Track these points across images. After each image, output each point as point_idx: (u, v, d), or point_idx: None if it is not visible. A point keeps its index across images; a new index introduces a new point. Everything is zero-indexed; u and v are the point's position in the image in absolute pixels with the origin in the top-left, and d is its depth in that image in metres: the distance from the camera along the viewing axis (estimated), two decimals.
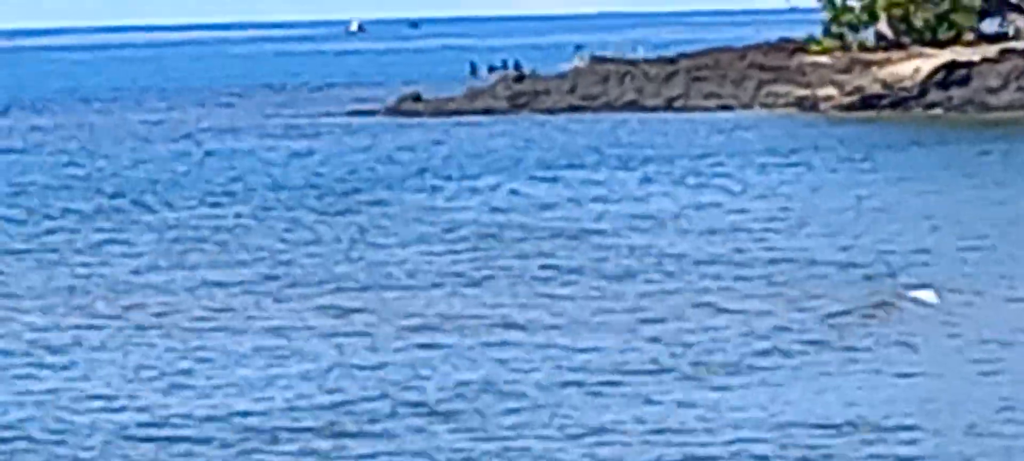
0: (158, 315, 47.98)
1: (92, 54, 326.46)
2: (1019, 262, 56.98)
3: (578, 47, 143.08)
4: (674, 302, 49.50)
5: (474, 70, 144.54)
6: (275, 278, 54.46)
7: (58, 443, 36.11)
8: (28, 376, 41.51)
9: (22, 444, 36.50)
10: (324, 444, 35.31)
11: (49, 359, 43.25)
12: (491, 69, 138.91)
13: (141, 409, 38.14)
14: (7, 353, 43.49)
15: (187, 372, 41.37)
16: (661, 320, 47.07)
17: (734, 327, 44.90)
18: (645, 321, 46.50)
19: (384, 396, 38.33)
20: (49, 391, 40.46)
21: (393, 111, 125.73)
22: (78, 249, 62.59)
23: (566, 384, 38.73)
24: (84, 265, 58.70)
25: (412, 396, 37.87)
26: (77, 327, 46.54)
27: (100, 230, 65.59)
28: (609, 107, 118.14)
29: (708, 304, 49.05)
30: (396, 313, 48.87)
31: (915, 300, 50.10)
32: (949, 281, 52.14)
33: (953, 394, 40.14)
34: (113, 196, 76.99)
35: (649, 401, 37.28)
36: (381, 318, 48.35)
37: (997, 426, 36.55)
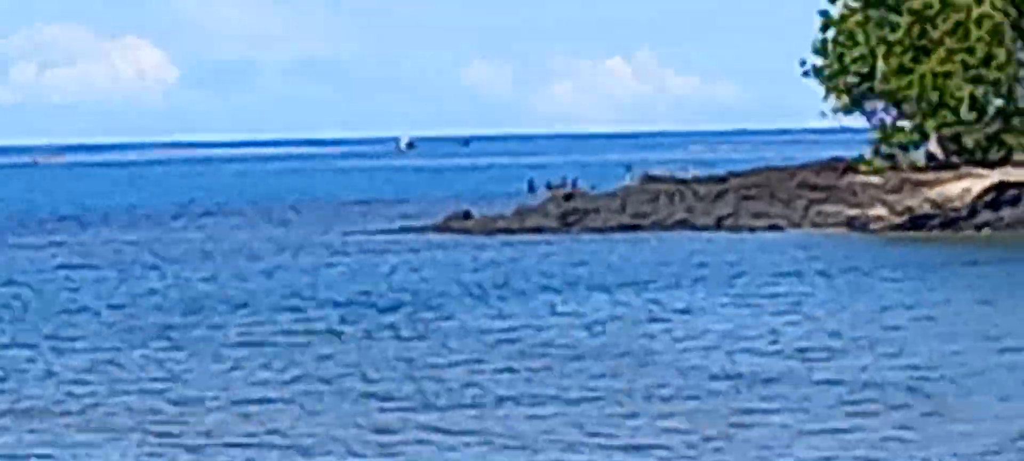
0: (204, 433, 47.68)
1: (148, 169, 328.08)
2: None
3: (628, 167, 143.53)
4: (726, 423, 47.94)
5: (532, 187, 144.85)
6: (319, 394, 53.92)
7: None
8: None
9: None
10: None
11: None
12: (549, 186, 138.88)
13: None
14: None
15: None
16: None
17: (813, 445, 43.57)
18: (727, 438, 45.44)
19: None
20: None
21: (442, 228, 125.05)
22: (140, 365, 61.91)
23: None
24: (147, 380, 57.91)
25: None
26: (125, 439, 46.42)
27: (162, 345, 65.25)
28: (659, 226, 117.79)
29: (773, 423, 47.75)
30: (442, 430, 48.01)
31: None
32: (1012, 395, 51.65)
33: None
34: (174, 312, 76.55)
35: None
36: (426, 435, 47.44)
37: None
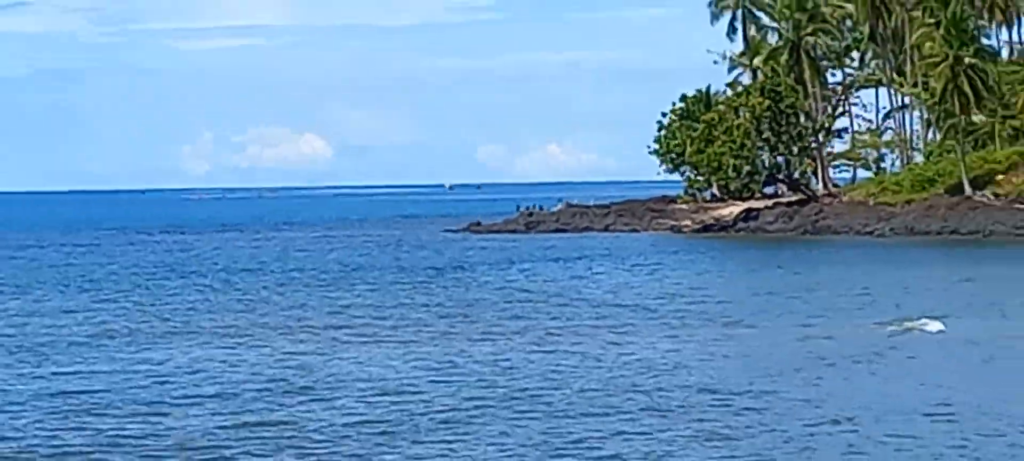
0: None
1: (317, 201, 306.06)
2: (808, 302, 58.84)
3: (560, 199, 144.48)
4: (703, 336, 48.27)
5: (518, 208, 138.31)
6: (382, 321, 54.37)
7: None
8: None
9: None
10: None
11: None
12: (528, 209, 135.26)
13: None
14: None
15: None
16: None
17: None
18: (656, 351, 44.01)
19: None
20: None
21: (468, 231, 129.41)
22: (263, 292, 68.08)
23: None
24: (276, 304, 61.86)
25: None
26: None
27: (280, 292, 67.68)
28: (576, 230, 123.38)
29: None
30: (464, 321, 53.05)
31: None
32: (764, 319, 53.10)
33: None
34: (285, 276, 78.48)
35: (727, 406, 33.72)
36: (454, 328, 51.47)
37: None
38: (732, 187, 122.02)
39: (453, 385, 37.97)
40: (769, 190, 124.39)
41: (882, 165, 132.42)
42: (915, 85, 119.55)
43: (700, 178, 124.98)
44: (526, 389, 37.33)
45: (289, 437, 30.84)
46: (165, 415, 33.18)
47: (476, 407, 34.29)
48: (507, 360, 42.86)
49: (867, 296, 61.43)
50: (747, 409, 33.66)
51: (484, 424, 32.29)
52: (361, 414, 34.00)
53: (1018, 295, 59.97)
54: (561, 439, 30.70)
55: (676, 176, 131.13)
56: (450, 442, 30.40)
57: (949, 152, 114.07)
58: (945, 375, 39.12)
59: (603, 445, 30.21)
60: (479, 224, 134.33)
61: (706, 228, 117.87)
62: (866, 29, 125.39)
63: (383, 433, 31.51)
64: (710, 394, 35.99)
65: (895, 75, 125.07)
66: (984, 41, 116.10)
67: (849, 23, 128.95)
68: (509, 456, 29.32)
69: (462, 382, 38.48)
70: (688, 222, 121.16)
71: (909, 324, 49.37)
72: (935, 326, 48.59)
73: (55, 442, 30.32)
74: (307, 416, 33.43)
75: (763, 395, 35.40)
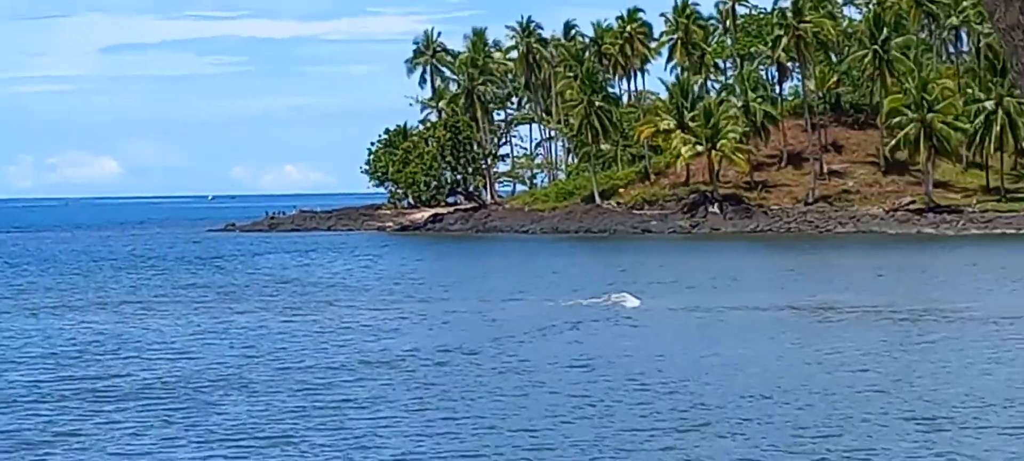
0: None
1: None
2: (498, 282, 55.91)
3: (295, 206, 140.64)
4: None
5: (265, 213, 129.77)
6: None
7: None
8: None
9: None
10: None
11: None
12: (272, 214, 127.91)
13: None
14: None
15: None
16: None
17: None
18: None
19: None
20: None
21: (224, 230, 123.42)
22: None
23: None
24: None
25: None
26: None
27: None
28: (308, 230, 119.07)
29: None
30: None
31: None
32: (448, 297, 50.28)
33: None
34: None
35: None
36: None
37: None
38: (423, 198, 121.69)
39: (223, 346, 37.53)
40: (451, 200, 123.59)
41: (535, 182, 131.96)
42: (559, 122, 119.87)
43: (399, 191, 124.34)
44: (283, 349, 36.83)
45: (103, 389, 30.13)
46: None
47: (242, 364, 33.72)
48: (264, 328, 42.30)
49: (544, 278, 59.49)
50: (463, 366, 32.57)
51: (252, 379, 31.32)
52: (158, 369, 33.40)
53: (664, 277, 59.38)
54: (310, 389, 29.88)
55: (382, 189, 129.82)
56: (230, 395, 29.41)
57: (584, 171, 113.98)
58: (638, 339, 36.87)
59: (337, 391, 29.35)
60: (234, 225, 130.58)
61: (404, 228, 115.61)
62: (522, 80, 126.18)
63: (179, 385, 30.76)
64: (425, 354, 34.78)
65: (544, 114, 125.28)
66: (610, 89, 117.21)
67: (510, 76, 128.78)
68: (273, 397, 28.58)
69: (230, 344, 38.02)
70: (391, 224, 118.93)
71: (615, 298, 46.45)
72: (632, 301, 45.75)
73: None
74: (117, 372, 32.73)
75: (472, 355, 34.25)
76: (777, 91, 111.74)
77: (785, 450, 21.82)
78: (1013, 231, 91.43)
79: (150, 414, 26.16)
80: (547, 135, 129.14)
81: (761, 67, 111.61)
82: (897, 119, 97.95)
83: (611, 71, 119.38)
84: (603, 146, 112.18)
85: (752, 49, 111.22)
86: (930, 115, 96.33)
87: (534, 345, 36.03)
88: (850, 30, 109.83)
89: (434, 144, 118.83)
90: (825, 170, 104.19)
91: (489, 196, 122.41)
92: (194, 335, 40.13)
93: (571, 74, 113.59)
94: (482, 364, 32.67)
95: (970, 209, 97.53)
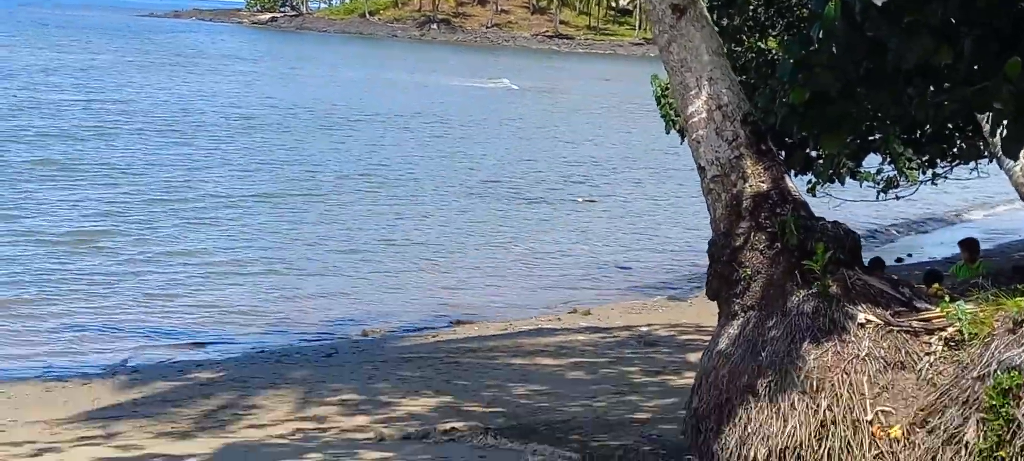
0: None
1: None
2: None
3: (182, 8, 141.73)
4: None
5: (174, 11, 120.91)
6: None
7: None
8: None
9: None
10: None
11: None
12: (177, 11, 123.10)
13: None
14: None
15: None
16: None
17: None
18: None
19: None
20: None
21: (143, 16, 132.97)
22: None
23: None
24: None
25: None
26: None
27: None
28: (183, 18, 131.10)
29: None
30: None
31: None
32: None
33: None
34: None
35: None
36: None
37: None
38: (266, 6, 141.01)
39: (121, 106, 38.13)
40: (283, 9, 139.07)
41: (332, 2, 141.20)
42: None
43: (253, 1, 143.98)
44: (165, 101, 39.28)
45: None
46: None
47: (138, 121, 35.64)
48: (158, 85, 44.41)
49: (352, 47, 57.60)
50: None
51: (140, 129, 33.89)
52: (73, 101, 34.90)
53: None
54: (174, 141, 32.70)
55: (242, 0, 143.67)
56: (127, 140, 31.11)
57: None
58: None
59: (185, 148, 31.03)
60: (154, 13, 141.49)
61: (255, 24, 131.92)
62: None
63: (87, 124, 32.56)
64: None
65: None
66: None
67: None
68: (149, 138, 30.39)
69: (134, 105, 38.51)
70: (247, 21, 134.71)
71: (491, 81, 41.19)
72: (504, 81, 40.16)
73: None
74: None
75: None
76: None
77: None
78: (599, 53, 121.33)
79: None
80: None
81: None
82: None
83: None
84: None
85: None
86: None
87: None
88: None
89: None
90: (499, 8, 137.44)
91: (305, 9, 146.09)
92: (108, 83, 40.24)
93: None
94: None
95: (578, 39, 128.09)
